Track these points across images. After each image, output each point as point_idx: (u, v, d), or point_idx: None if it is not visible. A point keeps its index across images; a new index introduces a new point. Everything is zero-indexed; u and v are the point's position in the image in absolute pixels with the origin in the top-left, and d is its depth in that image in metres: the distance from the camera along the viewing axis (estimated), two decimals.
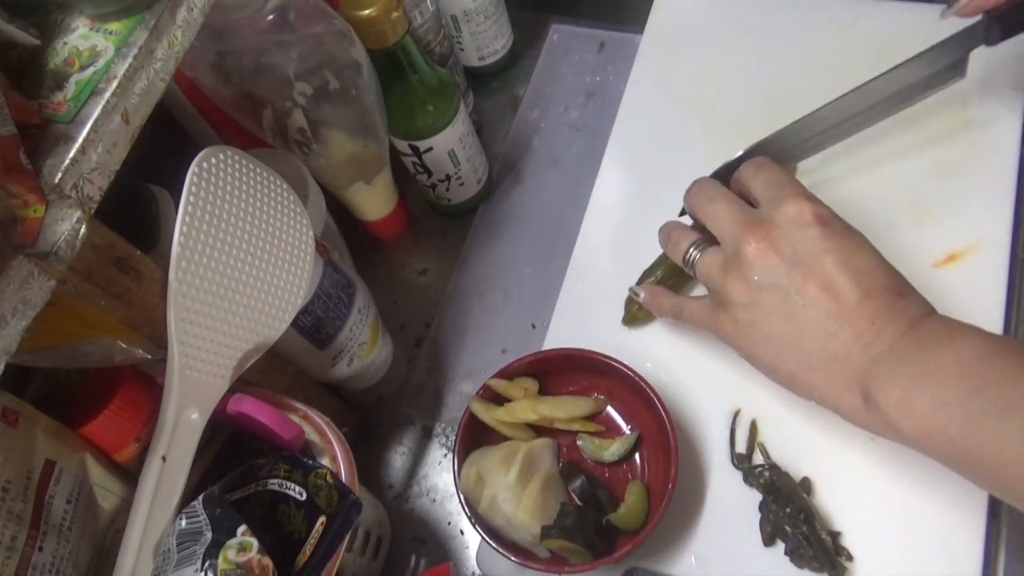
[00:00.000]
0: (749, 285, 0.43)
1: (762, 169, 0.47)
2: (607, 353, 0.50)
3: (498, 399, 0.52)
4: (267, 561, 0.36)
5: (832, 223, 0.42)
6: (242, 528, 0.36)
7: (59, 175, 0.31)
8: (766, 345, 0.44)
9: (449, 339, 0.64)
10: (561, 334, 0.58)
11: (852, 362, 0.40)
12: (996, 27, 0.47)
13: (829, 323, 0.41)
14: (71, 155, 0.32)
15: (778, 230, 0.42)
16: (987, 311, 0.51)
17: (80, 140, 0.32)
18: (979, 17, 0.47)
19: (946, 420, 0.37)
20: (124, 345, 0.38)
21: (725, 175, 0.53)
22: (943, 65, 0.50)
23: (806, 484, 0.49)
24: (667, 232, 0.50)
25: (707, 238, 0.47)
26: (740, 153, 0.54)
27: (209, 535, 0.36)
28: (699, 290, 0.55)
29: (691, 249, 0.47)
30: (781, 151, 0.54)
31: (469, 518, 0.48)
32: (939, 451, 0.38)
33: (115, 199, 0.34)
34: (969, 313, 0.51)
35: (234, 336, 0.41)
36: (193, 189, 0.39)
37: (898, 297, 0.40)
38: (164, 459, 0.39)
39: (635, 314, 0.56)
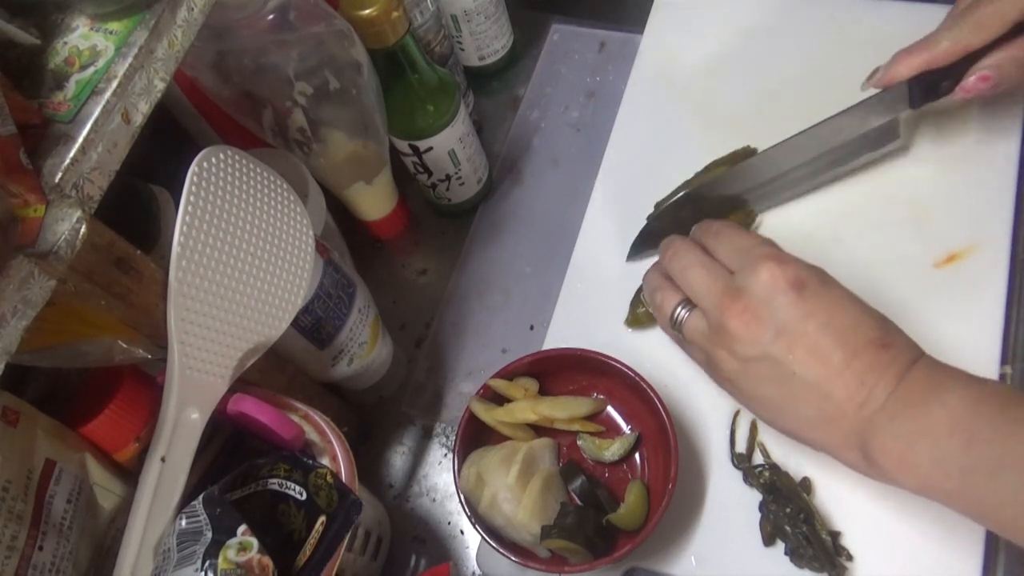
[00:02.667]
0: (736, 357, 0.43)
1: (721, 235, 0.47)
2: (607, 353, 0.50)
3: (498, 399, 0.52)
4: (267, 561, 0.36)
5: (807, 284, 0.42)
6: (242, 528, 0.36)
7: (59, 175, 0.31)
8: (761, 406, 0.45)
9: (449, 339, 0.64)
10: (561, 334, 0.58)
11: (848, 423, 0.41)
12: (917, 92, 0.49)
13: (821, 386, 0.41)
14: (71, 155, 0.32)
15: (755, 300, 0.42)
16: (987, 311, 0.51)
17: (80, 140, 0.32)
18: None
19: (943, 477, 0.38)
20: (124, 345, 0.38)
21: (669, 217, 0.56)
22: (874, 127, 0.52)
23: (806, 484, 0.49)
24: (651, 290, 0.49)
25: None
26: (679, 196, 0.57)
27: (209, 535, 0.36)
28: None
29: (678, 310, 0.47)
30: (714, 201, 0.55)
31: (469, 518, 0.48)
32: (942, 503, 0.39)
33: (115, 199, 0.34)
34: (969, 313, 0.51)
35: (234, 336, 0.41)
36: (193, 189, 0.39)
37: (883, 349, 0.40)
38: (163, 459, 0.39)
39: (639, 317, 0.56)
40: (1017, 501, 0.36)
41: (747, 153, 0.58)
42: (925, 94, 0.49)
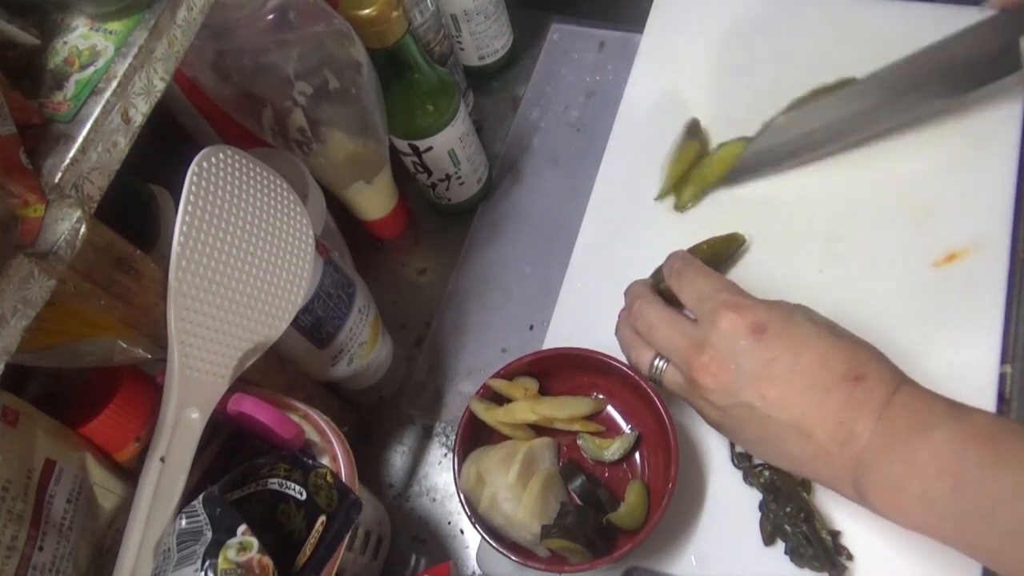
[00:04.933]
0: (713, 407, 0.43)
1: (683, 277, 0.46)
2: (607, 353, 0.50)
3: (498, 399, 0.52)
4: (267, 561, 0.36)
5: (767, 327, 0.41)
6: (242, 528, 0.36)
7: (59, 175, 0.31)
8: (750, 445, 0.45)
9: (449, 339, 0.64)
10: (561, 334, 0.58)
11: (836, 461, 0.40)
12: None
13: (800, 427, 0.40)
14: (71, 155, 0.32)
15: (718, 351, 0.42)
16: (987, 311, 0.51)
17: (80, 140, 0.32)
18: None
19: (937, 520, 0.38)
20: (124, 345, 0.38)
21: (781, 129, 0.53)
22: (991, 50, 0.47)
23: (806, 483, 0.49)
24: (626, 347, 0.49)
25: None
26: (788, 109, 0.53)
27: (209, 535, 0.36)
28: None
29: (655, 363, 0.46)
30: (814, 130, 0.52)
31: (469, 517, 0.48)
32: (942, 542, 0.39)
33: (115, 198, 0.34)
34: (969, 313, 0.51)
35: (234, 336, 0.41)
36: (193, 188, 0.39)
37: (856, 383, 0.40)
38: (163, 459, 0.39)
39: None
40: (1013, 544, 0.35)
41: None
42: None
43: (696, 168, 0.61)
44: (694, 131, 0.63)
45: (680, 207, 0.60)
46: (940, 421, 0.38)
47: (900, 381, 0.40)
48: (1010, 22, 0.46)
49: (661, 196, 0.61)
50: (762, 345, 0.41)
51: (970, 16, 0.48)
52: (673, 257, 0.49)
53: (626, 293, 0.50)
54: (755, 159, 0.57)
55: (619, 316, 0.50)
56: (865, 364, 0.40)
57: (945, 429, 0.38)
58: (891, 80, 0.50)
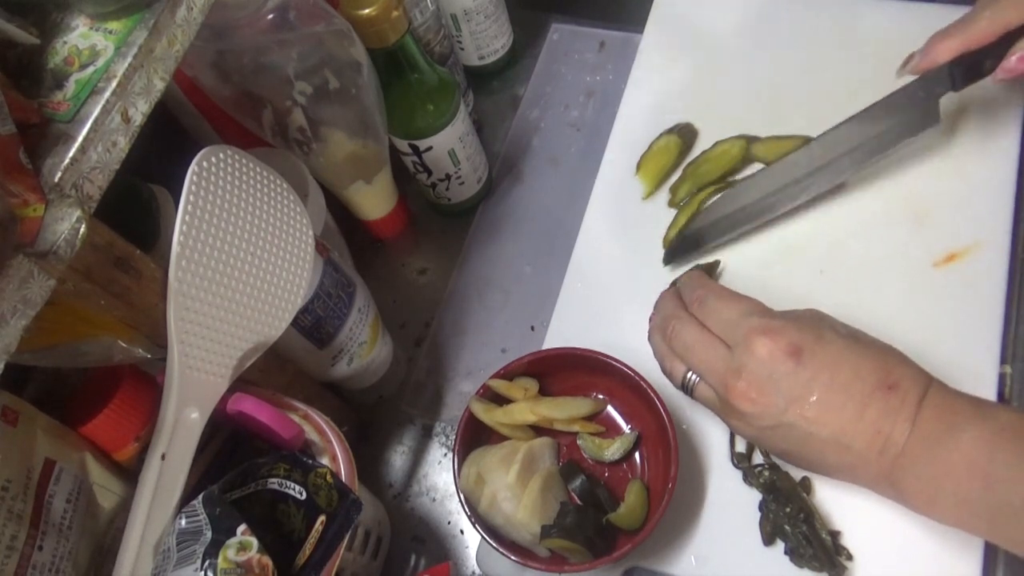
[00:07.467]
0: (752, 427, 0.44)
1: (706, 305, 0.46)
2: (607, 353, 0.50)
3: (498, 399, 0.52)
4: (267, 560, 0.36)
5: (803, 347, 0.41)
6: (242, 527, 0.36)
7: (59, 174, 0.31)
8: (786, 457, 0.46)
9: (449, 339, 0.64)
10: (561, 334, 0.58)
11: (873, 467, 0.41)
12: (959, 74, 0.47)
13: (839, 440, 0.41)
14: (71, 154, 0.32)
15: (757, 377, 0.42)
16: (987, 311, 0.51)
17: (80, 139, 0.32)
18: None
19: (971, 517, 0.39)
20: (124, 344, 0.38)
21: (712, 215, 0.54)
22: (914, 112, 0.50)
23: (806, 483, 0.49)
24: (659, 358, 0.49)
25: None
26: (720, 196, 0.55)
27: (209, 534, 0.36)
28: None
29: (688, 376, 0.46)
30: (749, 205, 0.54)
31: (469, 517, 0.48)
32: (978, 536, 0.40)
33: (115, 198, 0.34)
34: (969, 313, 0.51)
35: (234, 335, 0.41)
36: (193, 188, 0.39)
37: (891, 392, 0.40)
38: (163, 458, 0.39)
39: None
40: None
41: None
42: (967, 75, 0.47)
43: (691, 166, 0.61)
44: (674, 127, 0.63)
45: (674, 204, 0.61)
46: (967, 422, 0.39)
47: (928, 383, 0.41)
48: (930, 85, 0.48)
49: (647, 195, 0.62)
50: (800, 368, 0.41)
51: None
52: (692, 284, 0.48)
53: (657, 307, 0.50)
54: (695, 236, 0.56)
55: (650, 322, 0.51)
56: (895, 371, 0.41)
57: (973, 430, 0.39)
58: (824, 149, 0.52)
